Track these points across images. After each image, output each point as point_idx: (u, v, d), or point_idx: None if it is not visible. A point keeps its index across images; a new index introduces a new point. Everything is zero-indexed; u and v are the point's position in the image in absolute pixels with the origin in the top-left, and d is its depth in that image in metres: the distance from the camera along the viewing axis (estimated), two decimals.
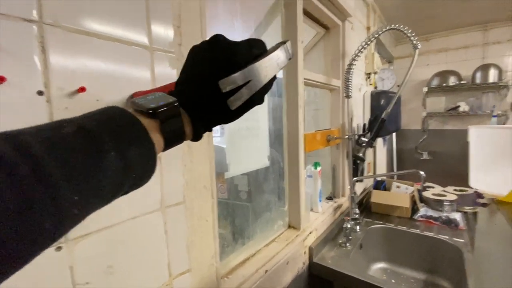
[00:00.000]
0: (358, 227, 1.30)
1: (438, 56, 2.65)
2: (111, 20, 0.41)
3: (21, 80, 0.32)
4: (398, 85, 2.77)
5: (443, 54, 2.64)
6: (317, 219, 1.16)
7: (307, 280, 1.04)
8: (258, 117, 0.90)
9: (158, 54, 0.48)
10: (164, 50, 0.49)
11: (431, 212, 1.44)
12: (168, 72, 0.50)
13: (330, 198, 1.42)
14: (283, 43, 0.31)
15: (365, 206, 1.62)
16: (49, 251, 0.35)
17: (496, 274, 0.91)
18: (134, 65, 0.44)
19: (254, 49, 0.28)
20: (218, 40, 0.28)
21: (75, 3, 0.37)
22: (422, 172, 1.06)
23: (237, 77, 0.26)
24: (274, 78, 0.31)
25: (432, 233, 1.28)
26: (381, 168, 2.25)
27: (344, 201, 1.44)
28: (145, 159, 0.23)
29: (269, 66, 0.28)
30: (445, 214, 1.41)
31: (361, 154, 1.24)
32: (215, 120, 0.30)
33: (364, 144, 1.20)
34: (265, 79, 0.28)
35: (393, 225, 1.37)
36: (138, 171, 0.23)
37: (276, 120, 1.02)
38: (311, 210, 1.22)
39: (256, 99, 0.29)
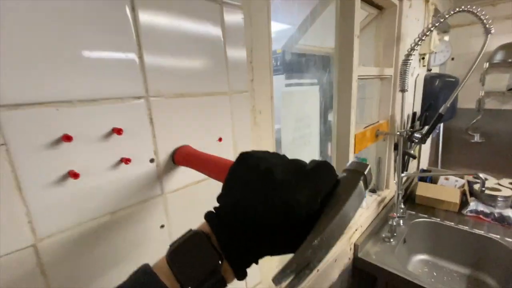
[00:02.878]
0: (401, 221, 1.30)
1: (505, 24, 2.29)
2: (200, 79, 0.42)
3: (139, 154, 0.36)
4: (452, 58, 2.49)
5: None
6: (361, 215, 1.18)
7: (352, 274, 1.10)
8: (310, 123, 0.90)
9: (235, 96, 0.49)
10: (240, 91, 0.50)
11: (482, 207, 1.38)
12: (244, 109, 0.51)
13: (373, 190, 1.42)
14: (359, 175, 0.23)
15: (408, 196, 1.60)
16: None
17: None
18: (218, 111, 0.46)
19: (319, 195, 0.21)
20: (271, 172, 0.22)
21: (171, 74, 0.38)
22: (482, 175, 1.00)
23: (292, 269, 0.19)
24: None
25: (482, 231, 1.24)
26: (425, 152, 2.14)
27: (387, 193, 1.42)
28: None
29: (342, 225, 0.20)
30: (497, 211, 1.34)
31: (412, 151, 1.19)
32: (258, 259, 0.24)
33: (416, 141, 1.15)
34: (335, 243, 0.21)
35: (439, 219, 1.35)
36: None
37: (327, 121, 1.00)
38: None
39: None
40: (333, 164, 1.04)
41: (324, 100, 0.98)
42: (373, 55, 1.37)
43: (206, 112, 0.44)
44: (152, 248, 0.40)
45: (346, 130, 1.00)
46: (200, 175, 0.44)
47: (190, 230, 0.25)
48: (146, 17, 0.35)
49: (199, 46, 0.41)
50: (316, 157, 0.95)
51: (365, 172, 0.23)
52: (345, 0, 0.93)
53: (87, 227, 0.33)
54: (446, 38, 2.42)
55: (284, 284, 0.20)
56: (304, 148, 0.88)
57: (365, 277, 1.11)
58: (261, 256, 0.23)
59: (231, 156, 0.50)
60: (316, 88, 0.90)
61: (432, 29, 1.09)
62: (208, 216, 0.25)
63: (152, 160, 0.38)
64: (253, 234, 0.22)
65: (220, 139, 0.47)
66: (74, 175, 0.30)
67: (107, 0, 0.31)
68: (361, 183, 0.22)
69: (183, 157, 0.39)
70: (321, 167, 0.23)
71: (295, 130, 0.83)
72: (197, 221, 0.25)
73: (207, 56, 0.43)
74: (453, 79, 1.50)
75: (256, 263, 0.24)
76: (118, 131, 0.33)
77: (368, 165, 0.24)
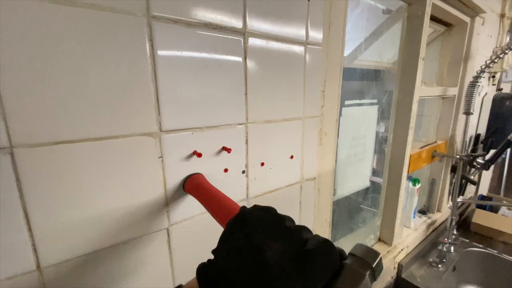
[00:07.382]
0: (452, 248, 1.25)
1: None
2: (282, 108, 0.51)
3: (235, 166, 0.46)
4: None
5: None
6: (409, 235, 1.17)
7: None
8: (366, 142, 0.93)
9: (307, 120, 0.57)
10: (312, 116, 0.58)
11: None
12: (313, 131, 0.59)
13: (423, 212, 1.38)
14: (365, 269, 0.19)
15: (462, 222, 1.50)
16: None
17: None
18: (292, 133, 0.55)
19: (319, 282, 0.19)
20: (263, 251, 0.20)
21: (263, 105, 0.48)
22: None
23: None
24: None
25: None
26: (486, 176, 1.96)
27: (439, 216, 1.37)
28: None
29: None
30: None
31: (472, 176, 1.14)
32: None
33: (478, 167, 1.09)
34: None
35: (496, 252, 1.26)
36: None
37: (383, 142, 1.02)
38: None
39: None
40: (384, 179, 1.06)
41: (382, 119, 1.01)
42: (436, 72, 1.33)
43: (283, 134, 0.53)
44: None
45: (401, 150, 1.01)
46: (273, 188, 0.54)
47: (180, 286, 0.24)
48: (252, 65, 0.44)
49: (284, 81, 0.50)
50: (369, 172, 0.98)
51: (374, 265, 0.20)
52: (413, 21, 0.95)
53: (200, 218, 0.44)
54: None
55: None
56: (358, 164, 0.92)
57: None
58: None
59: (298, 172, 0.58)
60: (375, 108, 0.93)
61: (507, 51, 1.03)
62: (200, 272, 0.23)
63: (243, 172, 0.48)
64: None
65: (291, 157, 0.55)
66: None
67: (228, 56, 0.42)
68: (367, 279, 0.19)
69: (195, 185, 0.39)
70: (322, 250, 0.20)
71: (351, 148, 0.87)
72: None
73: (290, 90, 0.52)
74: None
75: None
76: (228, 150, 0.43)
77: (379, 254, 0.21)
